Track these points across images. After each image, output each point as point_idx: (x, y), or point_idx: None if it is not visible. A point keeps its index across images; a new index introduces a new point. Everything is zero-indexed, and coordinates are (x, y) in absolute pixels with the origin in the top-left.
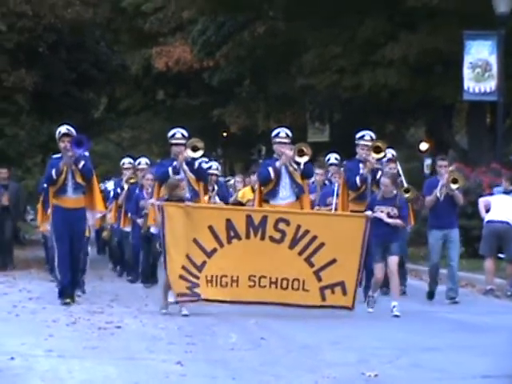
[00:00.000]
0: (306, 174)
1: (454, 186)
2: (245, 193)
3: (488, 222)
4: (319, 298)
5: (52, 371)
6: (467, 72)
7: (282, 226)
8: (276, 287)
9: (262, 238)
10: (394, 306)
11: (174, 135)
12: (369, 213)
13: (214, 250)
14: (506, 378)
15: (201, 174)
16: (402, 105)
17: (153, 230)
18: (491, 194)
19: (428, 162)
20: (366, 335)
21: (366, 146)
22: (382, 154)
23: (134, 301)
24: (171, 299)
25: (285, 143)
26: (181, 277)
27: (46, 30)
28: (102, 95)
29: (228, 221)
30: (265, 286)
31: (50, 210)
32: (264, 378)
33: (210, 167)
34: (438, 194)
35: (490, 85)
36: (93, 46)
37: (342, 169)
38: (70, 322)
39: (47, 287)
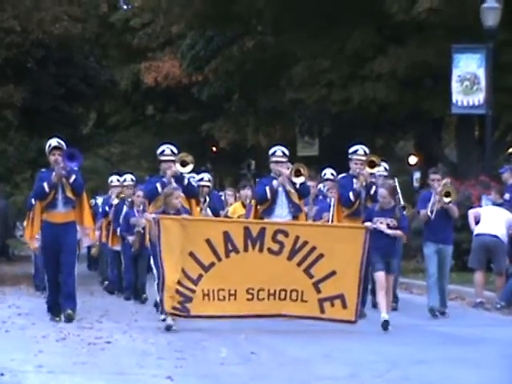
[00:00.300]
0: (303, 193)
1: (446, 200)
2: (236, 208)
3: (477, 235)
4: (318, 310)
5: None
6: (456, 85)
7: (280, 237)
8: (274, 299)
9: (261, 251)
10: (384, 318)
11: (163, 152)
12: (368, 224)
13: (212, 264)
14: None
15: (190, 191)
16: (391, 118)
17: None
18: (480, 206)
19: (417, 175)
20: (358, 348)
21: (360, 160)
22: (376, 169)
23: (124, 316)
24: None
25: (282, 162)
26: (177, 291)
27: (34, 45)
28: (91, 110)
29: (225, 233)
30: (263, 299)
31: (37, 226)
32: None
33: (201, 179)
34: (429, 212)
35: (479, 98)
36: (81, 61)
37: (327, 177)
38: (59, 337)
39: (36, 303)
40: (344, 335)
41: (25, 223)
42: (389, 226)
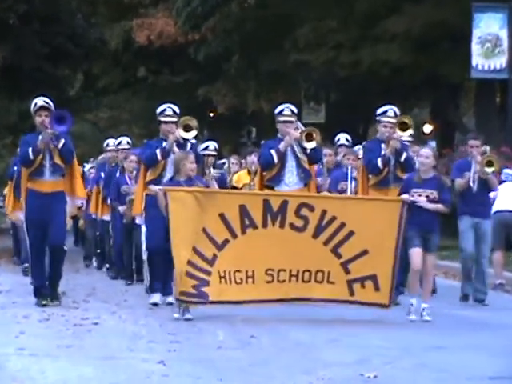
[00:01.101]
0: (314, 158)
1: (488, 170)
2: (240, 176)
3: (495, 212)
4: (347, 292)
5: (24, 371)
6: (476, 48)
7: (304, 211)
8: (297, 280)
9: (282, 226)
10: (423, 309)
11: (163, 111)
12: (405, 196)
13: (226, 242)
14: None
15: (195, 158)
16: (405, 83)
17: (138, 220)
18: (501, 180)
19: (432, 144)
20: (368, 333)
21: (390, 122)
22: (408, 132)
23: (113, 295)
24: (156, 299)
25: (290, 122)
26: (187, 273)
27: (16, 0)
28: (78, 71)
29: (242, 207)
30: (284, 281)
31: (22, 196)
32: (253, 379)
33: (206, 147)
34: (471, 182)
35: (501, 61)
36: (68, 18)
37: (357, 150)
38: (42, 317)
39: (17, 280)
40: (354, 319)
41: (5, 192)
42: (429, 199)
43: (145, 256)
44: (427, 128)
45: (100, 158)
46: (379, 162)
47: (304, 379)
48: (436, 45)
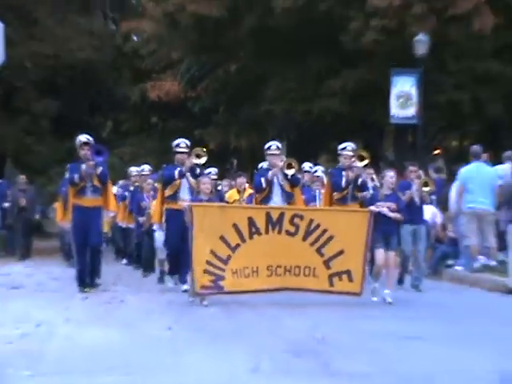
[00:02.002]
0: (295, 181)
1: (425, 189)
2: (231, 194)
3: None
4: (327, 284)
5: (69, 335)
6: (394, 101)
7: (296, 220)
8: (290, 274)
9: (279, 232)
10: (386, 294)
11: (178, 144)
12: (372, 208)
13: (238, 246)
14: None
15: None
16: (344, 126)
17: (155, 227)
18: None
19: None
20: (322, 310)
21: (349, 155)
22: (365, 162)
23: (134, 281)
24: (170, 284)
25: (276, 155)
26: (205, 271)
27: (65, 68)
28: (108, 119)
29: (250, 218)
30: (280, 275)
31: (69, 210)
32: (235, 340)
33: (209, 172)
34: (416, 197)
35: (411, 111)
36: (101, 81)
37: (317, 175)
38: (83, 297)
39: (65, 270)
40: (328, 306)
41: (55, 205)
42: (389, 209)
43: (161, 254)
44: (295, 164)
45: (122, 181)
46: (343, 181)
47: (271, 339)
48: (366, 99)
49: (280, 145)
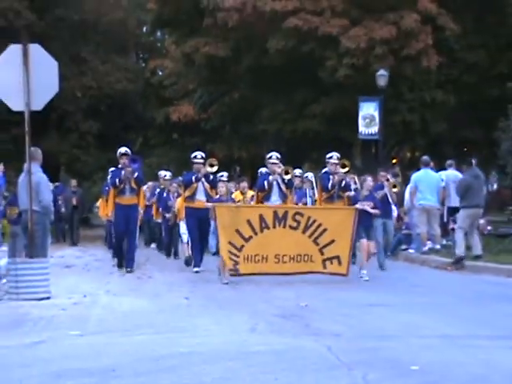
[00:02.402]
0: (290, 184)
1: (395, 190)
2: (236, 195)
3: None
4: (321, 266)
5: (109, 304)
6: (361, 121)
7: (297, 217)
8: (293, 261)
9: (284, 227)
10: (364, 274)
11: (195, 156)
12: (358, 205)
13: (250, 237)
14: None
15: (214, 183)
16: (322, 142)
17: (180, 221)
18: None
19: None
20: (306, 284)
21: (335, 163)
22: (347, 169)
23: (160, 262)
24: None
25: (276, 163)
26: (229, 257)
27: (105, 96)
28: (139, 136)
29: (260, 215)
30: (286, 262)
31: (110, 207)
32: (238, 306)
33: (221, 175)
34: (390, 197)
35: (375, 129)
36: (133, 106)
37: (307, 178)
38: (120, 274)
39: (106, 254)
40: (316, 283)
41: (98, 203)
42: (370, 207)
43: (186, 243)
44: (291, 171)
45: (150, 183)
46: (329, 184)
47: (265, 306)
48: (339, 120)
49: (279, 155)
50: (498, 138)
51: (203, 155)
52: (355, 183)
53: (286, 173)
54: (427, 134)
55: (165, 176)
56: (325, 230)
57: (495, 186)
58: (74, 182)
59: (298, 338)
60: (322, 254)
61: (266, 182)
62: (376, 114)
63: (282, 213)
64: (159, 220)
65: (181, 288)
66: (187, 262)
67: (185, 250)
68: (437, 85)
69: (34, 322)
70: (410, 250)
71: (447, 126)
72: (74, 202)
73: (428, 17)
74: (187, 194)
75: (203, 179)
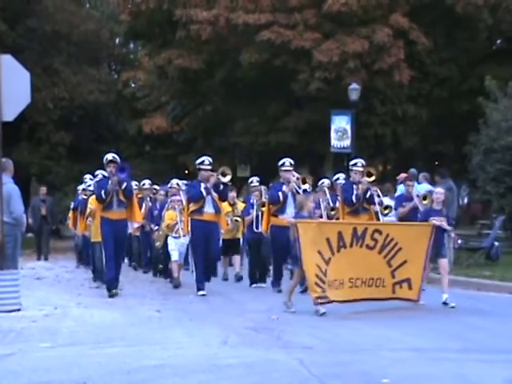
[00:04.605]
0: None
1: (425, 202)
2: (224, 207)
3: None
4: (391, 292)
5: (80, 316)
6: (333, 135)
7: (376, 235)
8: (365, 286)
9: (361, 246)
10: (446, 298)
11: (203, 162)
12: (435, 222)
13: (329, 259)
14: None
15: (224, 195)
16: (294, 154)
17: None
18: None
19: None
20: (278, 298)
21: (359, 171)
22: (373, 178)
23: (130, 274)
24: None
25: (289, 170)
26: (316, 284)
27: (77, 107)
28: (111, 148)
29: (339, 233)
30: (358, 286)
31: (96, 223)
32: (209, 319)
33: (232, 189)
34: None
35: (347, 143)
36: (106, 118)
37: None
38: (92, 286)
39: (77, 265)
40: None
41: (69, 215)
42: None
43: (175, 261)
44: (309, 180)
45: None
46: (353, 198)
47: (236, 319)
48: (312, 133)
49: (292, 161)
50: (469, 153)
51: (211, 160)
52: (378, 196)
53: (304, 182)
54: (399, 148)
55: (143, 185)
56: (400, 249)
57: (466, 200)
58: (43, 190)
59: (269, 350)
60: (394, 277)
61: (280, 194)
62: (348, 128)
63: (361, 230)
64: (137, 233)
65: (152, 300)
66: (176, 287)
67: (174, 269)
68: (408, 99)
69: (4, 333)
70: None
71: (419, 140)
72: (43, 211)
73: (400, 31)
74: (193, 207)
75: (211, 190)
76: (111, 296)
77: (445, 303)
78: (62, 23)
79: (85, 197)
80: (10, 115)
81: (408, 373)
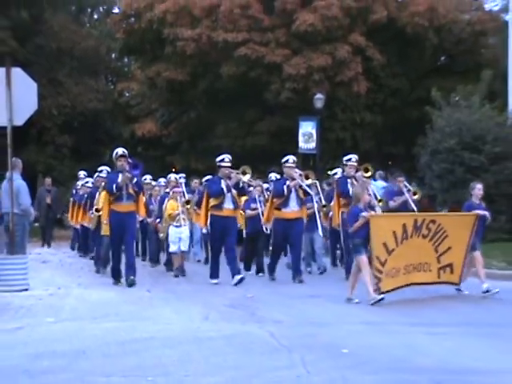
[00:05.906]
0: (307, 192)
1: (414, 197)
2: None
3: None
4: (436, 276)
5: (80, 295)
6: (301, 138)
7: (430, 225)
8: (416, 271)
9: (418, 236)
10: (486, 287)
11: (223, 159)
12: (479, 212)
13: (393, 250)
14: None
15: (242, 191)
16: (267, 155)
17: (204, 230)
18: None
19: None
20: (258, 282)
21: (353, 165)
22: (369, 173)
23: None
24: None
25: (292, 167)
26: (375, 276)
27: (78, 114)
28: (108, 149)
29: (404, 225)
30: (410, 272)
31: (105, 214)
32: (194, 299)
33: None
34: (412, 204)
35: (312, 145)
36: (103, 123)
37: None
38: (91, 270)
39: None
40: (266, 279)
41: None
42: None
43: (174, 253)
44: (312, 175)
45: None
46: (350, 189)
47: (216, 298)
48: (282, 137)
49: (295, 158)
50: (418, 154)
51: (230, 158)
52: (409, 190)
53: (307, 178)
54: (357, 150)
55: (144, 179)
56: (446, 236)
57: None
58: (48, 181)
59: (245, 325)
60: (439, 262)
61: (285, 188)
62: (314, 132)
63: (420, 221)
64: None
65: (143, 281)
66: (176, 276)
67: (174, 260)
68: (365, 107)
69: (15, 310)
70: None
71: (374, 143)
72: (49, 200)
73: (358, 49)
74: (213, 202)
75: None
76: (116, 284)
77: (487, 291)
78: (65, 41)
79: (85, 192)
80: (19, 120)
81: (364, 343)
